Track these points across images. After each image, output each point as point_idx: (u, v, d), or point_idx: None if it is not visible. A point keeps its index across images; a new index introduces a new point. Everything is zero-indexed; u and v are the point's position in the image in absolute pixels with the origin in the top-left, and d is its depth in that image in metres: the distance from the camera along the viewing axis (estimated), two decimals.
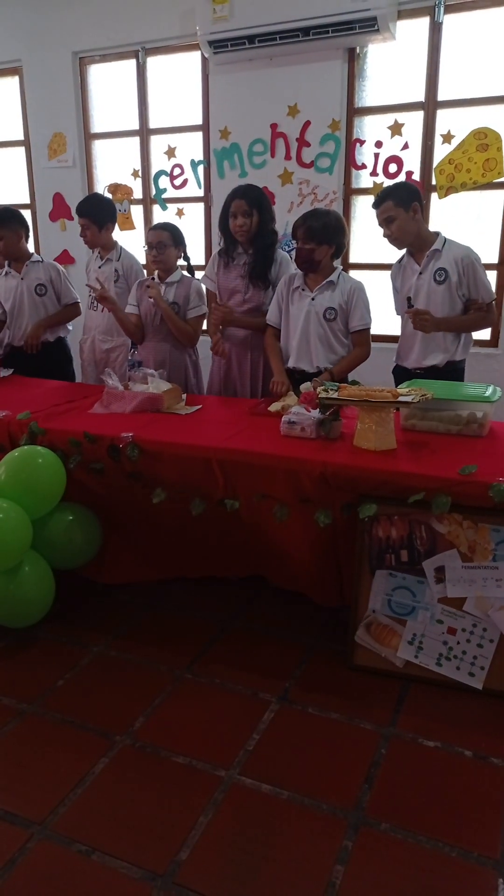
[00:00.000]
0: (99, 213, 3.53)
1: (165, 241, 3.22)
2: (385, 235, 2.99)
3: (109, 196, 4.88)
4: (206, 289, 3.31)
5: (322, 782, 1.83)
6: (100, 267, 3.62)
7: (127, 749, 1.96)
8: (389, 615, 2.23)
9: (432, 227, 3.96)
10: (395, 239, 2.97)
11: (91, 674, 2.31)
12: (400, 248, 3.04)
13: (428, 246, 2.98)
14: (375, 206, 2.96)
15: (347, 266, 4.55)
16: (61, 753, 1.94)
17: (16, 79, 5.40)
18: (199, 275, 3.43)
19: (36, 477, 2.45)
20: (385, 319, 3.98)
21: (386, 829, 1.68)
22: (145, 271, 3.77)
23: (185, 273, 3.34)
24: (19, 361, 3.67)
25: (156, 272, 3.35)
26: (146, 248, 3.28)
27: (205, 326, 3.39)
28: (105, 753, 1.94)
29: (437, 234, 3.01)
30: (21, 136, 5.51)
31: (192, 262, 3.40)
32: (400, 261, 3.15)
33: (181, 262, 3.34)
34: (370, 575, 2.23)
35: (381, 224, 2.97)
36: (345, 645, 2.32)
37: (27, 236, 3.66)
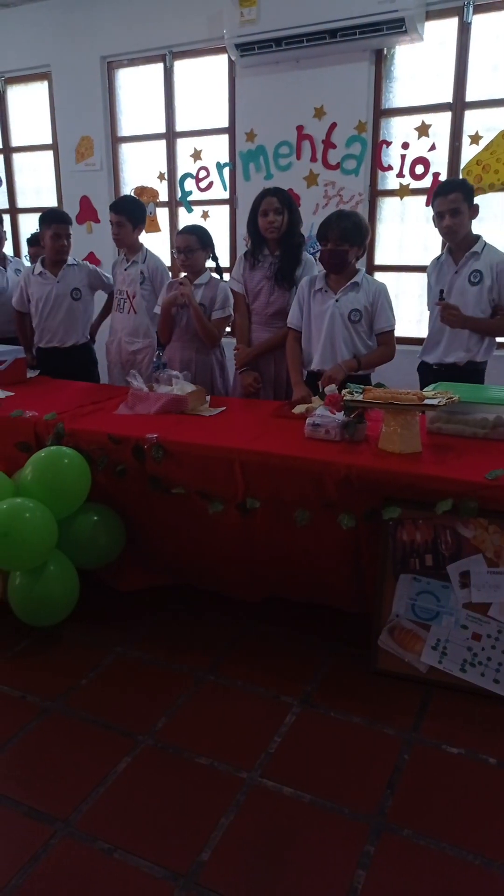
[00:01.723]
0: (133, 213, 3.57)
1: (193, 245, 3.24)
2: (443, 226, 2.97)
3: None
4: (235, 291, 3.32)
5: (344, 786, 1.82)
6: (126, 269, 3.65)
7: (149, 749, 1.97)
8: (413, 620, 2.21)
9: None
10: (453, 231, 2.96)
11: (114, 674, 2.33)
12: (453, 241, 3.03)
13: (468, 247, 2.99)
14: (442, 193, 2.93)
15: (372, 268, 4.53)
16: (84, 752, 1.96)
17: (45, 83, 5.47)
18: (226, 276, 3.45)
19: (62, 477, 2.47)
20: (408, 321, 3.97)
21: (408, 836, 1.67)
22: (170, 273, 3.79)
23: (213, 275, 3.36)
24: (47, 363, 3.72)
25: (184, 274, 3.37)
26: (175, 252, 3.30)
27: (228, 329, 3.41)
28: (128, 753, 1.95)
29: (478, 236, 3.04)
30: (49, 140, 5.58)
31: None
32: (438, 258, 3.15)
33: (209, 263, 3.36)
34: (394, 579, 2.21)
35: (441, 213, 2.95)
36: (367, 649, 2.31)
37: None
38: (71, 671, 2.32)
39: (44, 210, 3.77)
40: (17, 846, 1.64)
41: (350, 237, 2.80)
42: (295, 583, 2.57)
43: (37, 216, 5.80)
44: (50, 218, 3.60)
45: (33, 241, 4.01)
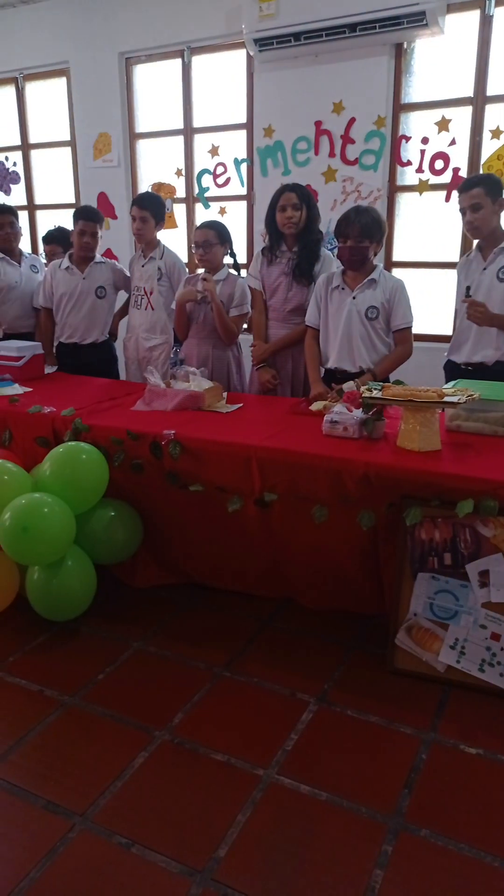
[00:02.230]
0: (157, 209, 3.58)
1: (211, 239, 3.24)
2: (466, 222, 2.94)
3: None
4: (252, 287, 3.31)
5: (361, 785, 1.81)
6: (143, 265, 3.65)
7: (166, 744, 1.97)
8: (431, 619, 2.19)
9: None
10: (474, 228, 2.93)
11: (131, 669, 2.33)
12: (476, 237, 3.00)
13: (497, 243, 2.95)
14: (464, 189, 2.91)
15: (390, 264, 4.50)
16: (102, 746, 1.97)
17: (63, 80, 5.49)
18: (244, 273, 3.44)
19: (80, 473, 2.48)
20: (427, 318, 3.93)
21: (426, 836, 1.66)
22: (187, 269, 3.79)
23: (231, 271, 3.36)
24: (66, 358, 3.74)
25: (202, 270, 3.38)
26: (192, 246, 3.30)
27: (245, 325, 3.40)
28: (144, 748, 1.95)
29: None
30: (67, 137, 5.60)
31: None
32: (467, 255, 3.11)
33: (227, 259, 3.35)
34: (412, 578, 2.20)
35: (463, 210, 2.92)
36: (384, 647, 2.30)
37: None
38: (89, 666, 2.34)
39: (57, 206, 3.78)
40: (35, 839, 1.65)
41: (370, 233, 2.78)
42: (312, 583, 2.55)
43: (54, 213, 5.86)
44: (79, 214, 3.64)
45: (49, 238, 4.01)
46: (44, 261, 4.16)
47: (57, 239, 3.94)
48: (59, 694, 2.19)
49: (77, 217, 3.62)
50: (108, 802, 1.76)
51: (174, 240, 5.07)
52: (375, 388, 2.39)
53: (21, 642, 2.47)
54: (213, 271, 3.31)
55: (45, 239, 4.01)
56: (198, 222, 5.21)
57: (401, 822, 1.70)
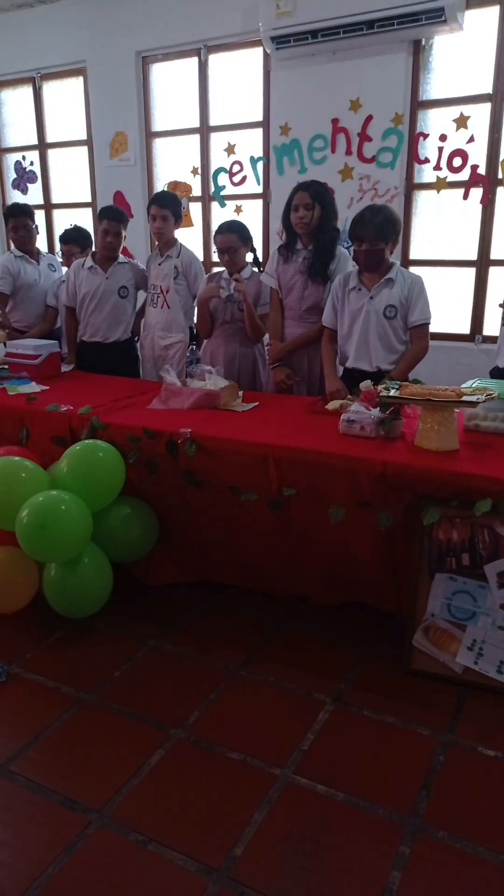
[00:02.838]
0: (176, 208, 3.59)
1: (235, 243, 3.27)
2: None
3: None
4: (269, 286, 3.31)
5: (378, 786, 1.81)
6: (160, 264, 3.66)
7: (182, 742, 1.97)
8: (449, 620, 2.18)
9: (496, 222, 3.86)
10: None
11: (147, 666, 2.34)
12: None
13: None
14: None
15: (407, 262, 4.47)
16: (118, 743, 1.97)
17: (80, 79, 5.50)
18: None
19: (96, 470, 2.49)
20: (445, 317, 3.89)
21: (443, 838, 1.65)
22: (203, 268, 3.79)
23: (254, 269, 3.36)
24: (89, 357, 3.76)
25: (223, 269, 3.41)
26: (216, 252, 3.32)
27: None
28: (161, 745, 1.96)
29: None
30: (84, 136, 5.62)
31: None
32: None
33: (249, 256, 3.37)
34: (429, 578, 2.18)
35: None
36: (401, 648, 2.28)
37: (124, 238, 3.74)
38: (105, 663, 2.34)
39: (74, 206, 3.79)
40: (52, 835, 1.66)
41: (385, 234, 2.74)
42: (327, 581, 2.55)
43: (71, 212, 5.89)
44: (103, 214, 3.66)
45: (66, 238, 4.02)
46: (60, 260, 4.18)
47: (74, 238, 3.96)
48: (75, 691, 2.20)
49: (101, 216, 3.64)
50: (124, 799, 1.77)
51: (190, 238, 5.07)
52: (393, 387, 2.37)
53: (38, 639, 2.49)
54: (237, 271, 3.32)
55: (62, 238, 4.03)
56: (213, 221, 5.23)
57: (418, 824, 1.69)
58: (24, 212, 4.01)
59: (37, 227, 4.13)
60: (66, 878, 1.55)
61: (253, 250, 3.36)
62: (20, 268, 4.00)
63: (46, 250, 4.13)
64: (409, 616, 2.23)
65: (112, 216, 3.63)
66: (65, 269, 4.00)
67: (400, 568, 2.33)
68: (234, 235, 3.26)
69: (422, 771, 1.86)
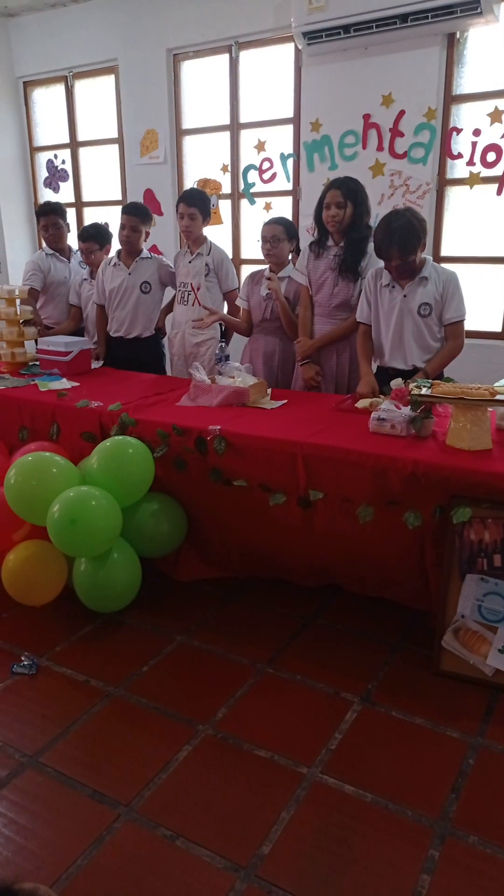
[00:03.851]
0: (205, 205, 3.60)
1: (279, 234, 3.30)
2: None
3: None
4: (299, 283, 3.30)
5: (406, 788, 1.79)
6: (190, 261, 3.66)
7: (209, 738, 1.98)
8: (479, 621, 2.15)
9: None
10: None
11: (174, 662, 2.35)
12: None
13: None
14: None
15: (439, 259, 4.41)
16: (146, 738, 1.99)
17: (111, 77, 5.54)
18: None
19: (126, 466, 2.51)
20: (478, 314, 3.83)
21: (474, 843, 1.62)
22: (233, 265, 3.79)
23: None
24: (114, 351, 3.79)
25: (267, 266, 3.42)
26: (260, 241, 3.35)
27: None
28: (188, 741, 1.96)
29: None
30: (115, 134, 5.65)
31: None
32: None
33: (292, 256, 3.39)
34: (460, 579, 2.15)
35: None
36: (430, 649, 2.26)
37: (147, 235, 3.76)
38: (133, 657, 2.36)
39: (104, 203, 3.81)
40: (82, 828, 1.68)
41: (411, 247, 2.66)
42: (356, 578, 2.54)
43: (101, 210, 5.93)
44: (123, 209, 3.71)
45: (85, 235, 4.01)
46: (80, 258, 4.16)
47: (93, 236, 3.96)
48: (104, 685, 2.22)
49: (122, 211, 3.68)
50: (152, 794, 1.78)
51: (220, 236, 5.07)
52: (425, 386, 2.34)
53: (68, 632, 2.51)
54: (279, 266, 3.36)
55: (80, 236, 4.02)
56: (243, 218, 5.22)
57: (448, 827, 1.67)
58: (55, 210, 4.06)
59: (68, 225, 4.17)
60: (94, 871, 1.56)
61: (298, 251, 3.37)
62: (50, 265, 4.05)
63: (77, 248, 4.16)
64: (438, 617, 2.20)
65: (129, 211, 3.66)
66: (87, 267, 4.02)
67: (430, 569, 2.30)
68: (280, 227, 3.31)
69: (451, 774, 1.83)
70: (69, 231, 4.20)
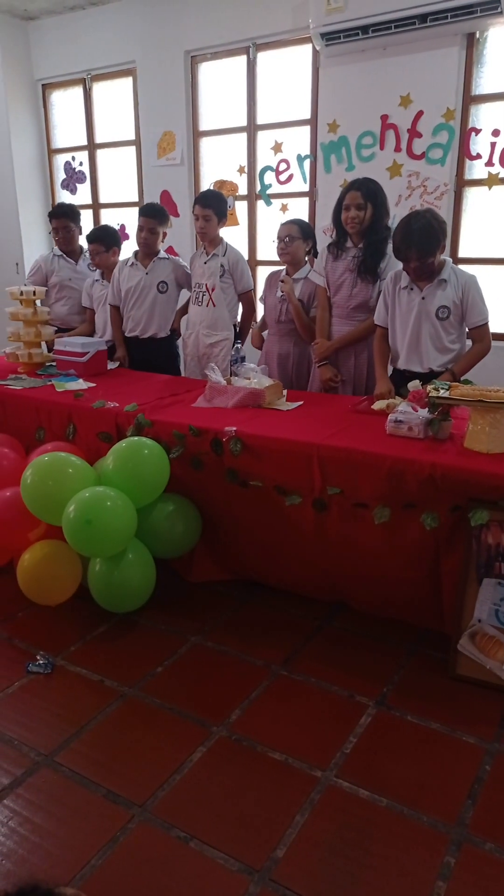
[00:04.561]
0: (220, 207, 3.60)
1: (294, 233, 3.32)
2: None
3: None
4: (317, 284, 3.29)
5: (422, 793, 1.77)
6: (206, 262, 3.66)
7: (224, 740, 1.97)
8: (497, 626, 2.12)
9: None
10: None
11: (188, 663, 2.35)
12: None
13: None
14: None
15: (457, 260, 4.38)
16: (160, 738, 1.99)
17: (129, 80, 5.56)
18: None
19: (142, 467, 2.51)
20: (496, 317, 3.78)
21: (491, 850, 1.60)
22: (248, 266, 3.79)
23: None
24: (129, 353, 3.80)
25: (284, 267, 3.42)
26: (275, 241, 3.37)
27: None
28: (202, 742, 1.96)
29: None
30: (132, 136, 5.67)
31: None
32: None
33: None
34: (477, 583, 2.13)
35: None
36: (446, 652, 2.24)
37: (164, 236, 3.78)
38: (147, 658, 2.36)
39: (122, 205, 3.82)
40: (96, 828, 1.68)
41: (431, 248, 2.64)
42: (368, 590, 2.51)
43: (118, 211, 5.95)
44: (140, 210, 3.73)
45: (92, 237, 4.00)
46: (88, 260, 4.16)
47: (100, 238, 3.95)
48: (118, 685, 2.22)
49: (139, 213, 3.69)
50: (166, 795, 1.78)
51: (236, 237, 5.07)
52: (443, 388, 2.33)
53: (82, 632, 2.52)
54: (294, 267, 3.36)
55: (87, 238, 4.03)
56: (259, 220, 5.22)
57: (464, 834, 1.65)
58: (66, 213, 4.09)
59: (80, 227, 4.19)
60: (108, 871, 1.56)
61: (315, 252, 3.36)
62: (55, 266, 4.10)
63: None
64: (454, 621, 2.18)
65: (146, 213, 3.68)
66: (95, 269, 4.02)
67: (444, 579, 2.28)
68: (295, 227, 3.33)
69: (468, 780, 1.81)
70: (81, 233, 4.22)
